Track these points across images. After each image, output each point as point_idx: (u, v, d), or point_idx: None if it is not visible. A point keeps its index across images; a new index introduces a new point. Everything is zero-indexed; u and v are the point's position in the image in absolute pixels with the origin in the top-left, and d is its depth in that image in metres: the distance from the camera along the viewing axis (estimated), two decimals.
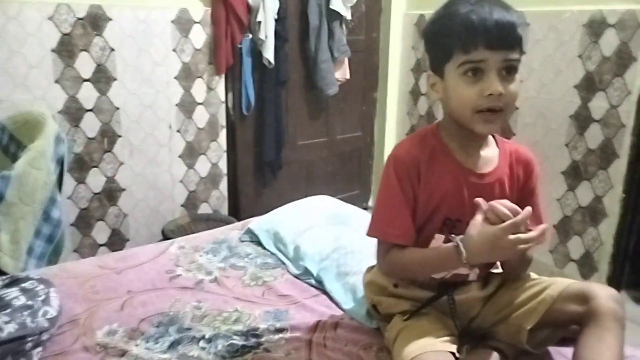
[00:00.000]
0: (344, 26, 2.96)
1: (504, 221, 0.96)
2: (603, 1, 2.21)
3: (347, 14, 2.91)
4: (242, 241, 1.77)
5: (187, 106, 2.59)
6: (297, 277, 1.54)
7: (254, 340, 1.21)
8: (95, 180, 2.41)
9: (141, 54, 2.39)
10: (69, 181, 2.31)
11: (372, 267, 1.28)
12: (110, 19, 2.28)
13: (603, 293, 1.04)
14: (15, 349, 1.07)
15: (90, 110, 2.32)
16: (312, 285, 1.49)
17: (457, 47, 1.02)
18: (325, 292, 1.45)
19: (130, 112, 2.42)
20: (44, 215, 1.83)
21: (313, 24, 2.82)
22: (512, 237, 0.95)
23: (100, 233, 2.48)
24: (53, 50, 2.17)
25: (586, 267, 2.41)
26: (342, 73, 3.04)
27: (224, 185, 2.83)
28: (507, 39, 1.00)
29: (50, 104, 2.20)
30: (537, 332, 1.11)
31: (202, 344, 1.20)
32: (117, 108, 2.39)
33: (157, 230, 2.58)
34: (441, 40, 1.06)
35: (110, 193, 2.46)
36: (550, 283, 1.13)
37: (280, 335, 1.23)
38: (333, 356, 1.16)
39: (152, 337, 1.22)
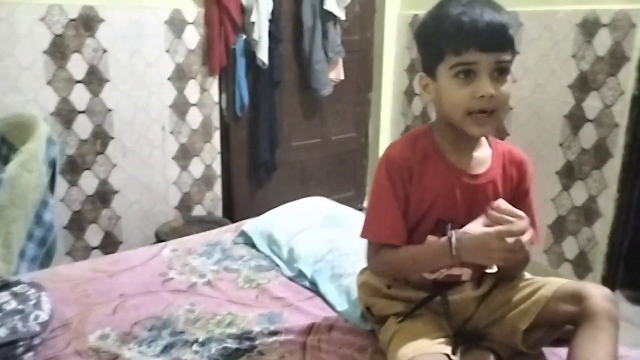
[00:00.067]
0: (338, 26, 2.95)
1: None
2: (596, 1, 2.22)
3: (341, 15, 2.91)
4: (236, 243, 1.77)
5: (180, 107, 2.58)
6: (291, 279, 1.53)
7: (247, 343, 1.20)
8: (88, 182, 2.39)
9: (134, 55, 2.37)
10: (61, 183, 2.30)
11: (366, 268, 1.28)
12: (103, 20, 2.26)
13: (597, 293, 1.04)
14: (6, 354, 1.06)
15: (83, 112, 2.31)
16: (306, 288, 1.48)
17: (448, 49, 1.01)
18: (319, 294, 1.44)
19: (123, 113, 2.41)
20: (36, 218, 1.82)
21: (307, 24, 2.82)
22: (501, 242, 0.97)
23: (93, 236, 2.46)
24: (45, 52, 2.16)
25: (581, 267, 2.41)
26: (337, 73, 3.04)
27: (218, 186, 2.82)
28: (498, 40, 1.00)
29: (42, 106, 2.19)
30: (532, 332, 1.11)
31: (195, 347, 1.19)
32: (110, 110, 2.37)
33: (150, 233, 2.57)
34: (433, 42, 1.06)
35: (103, 195, 2.45)
36: (544, 283, 1.13)
37: (275, 338, 1.22)
38: (327, 359, 1.16)
39: (145, 340, 1.21)
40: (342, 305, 1.36)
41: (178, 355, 1.16)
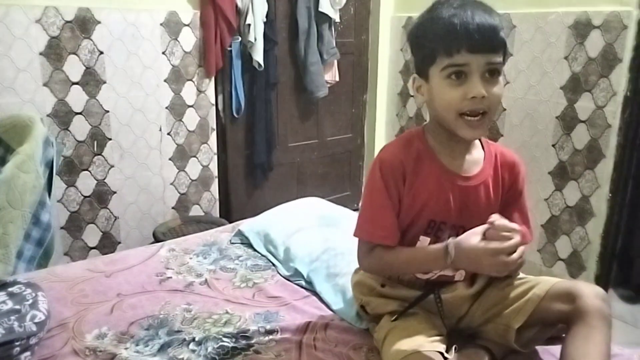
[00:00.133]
0: (332, 29, 2.97)
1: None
2: (588, 3, 2.24)
3: (335, 17, 2.93)
4: (233, 243, 1.78)
5: (177, 109, 2.59)
6: (287, 278, 1.55)
7: (244, 342, 1.21)
8: (86, 183, 2.40)
9: (130, 57, 2.38)
10: (59, 184, 2.31)
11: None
12: (99, 22, 2.27)
13: (589, 291, 1.05)
14: (3, 354, 1.06)
15: (80, 113, 2.32)
16: (302, 287, 1.50)
17: (440, 50, 1.03)
18: (315, 294, 1.45)
19: (120, 115, 2.42)
20: (33, 219, 1.82)
21: (302, 26, 2.83)
22: (495, 258, 1.00)
23: (91, 236, 2.47)
24: (41, 54, 2.17)
25: (574, 266, 2.43)
26: (332, 75, 3.05)
27: (215, 187, 2.83)
28: (489, 42, 1.01)
29: (38, 108, 2.19)
30: (525, 331, 1.12)
31: (192, 346, 1.19)
32: (107, 111, 2.38)
33: (148, 233, 2.58)
34: (425, 44, 1.08)
35: (101, 196, 2.45)
36: (537, 282, 1.14)
37: (271, 336, 1.24)
38: (323, 357, 1.17)
39: (142, 340, 1.22)
40: (337, 304, 1.37)
41: (175, 354, 1.17)
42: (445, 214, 1.12)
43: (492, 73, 1.03)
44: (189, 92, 2.60)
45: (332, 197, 3.14)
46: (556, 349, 1.13)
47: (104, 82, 2.34)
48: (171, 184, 2.66)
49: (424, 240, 1.14)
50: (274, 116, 2.92)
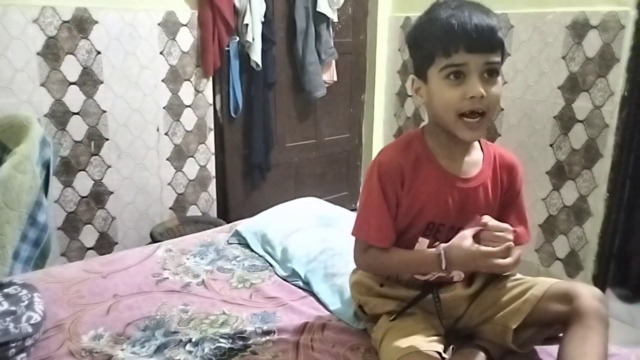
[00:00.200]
0: (330, 28, 2.97)
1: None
2: (586, 3, 2.24)
3: (333, 17, 2.93)
4: (230, 244, 1.77)
5: (175, 109, 2.58)
6: (284, 279, 1.55)
7: (241, 343, 1.21)
8: (83, 183, 2.39)
9: (128, 57, 2.38)
10: (55, 185, 2.30)
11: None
12: (96, 22, 2.27)
13: (586, 292, 1.05)
14: None
15: (77, 113, 2.31)
16: (299, 287, 1.50)
17: (438, 51, 1.03)
18: (312, 294, 1.45)
19: (117, 115, 2.41)
20: (30, 220, 1.81)
21: (300, 26, 2.83)
22: (490, 261, 1.00)
23: (88, 236, 2.46)
24: (38, 54, 2.16)
25: (572, 265, 2.43)
26: (330, 75, 3.05)
27: (212, 187, 2.83)
28: (487, 41, 1.02)
29: (36, 108, 2.19)
30: (522, 331, 1.12)
31: (188, 347, 1.19)
32: (104, 111, 2.38)
33: (145, 234, 2.57)
34: (423, 45, 1.08)
35: (98, 196, 2.45)
36: (535, 283, 1.15)
37: (268, 337, 1.23)
38: (320, 358, 1.17)
39: (138, 341, 1.21)
40: (335, 304, 1.37)
41: (171, 355, 1.16)
42: (444, 216, 1.12)
43: (491, 73, 1.03)
44: (186, 92, 2.60)
45: (329, 197, 3.13)
46: (553, 349, 1.13)
47: (102, 82, 2.34)
48: (169, 184, 2.66)
49: (423, 242, 1.14)
50: (272, 116, 2.91)
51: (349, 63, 3.25)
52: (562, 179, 2.42)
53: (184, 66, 2.56)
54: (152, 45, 2.43)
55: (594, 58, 2.23)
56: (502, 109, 2.59)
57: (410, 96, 3.20)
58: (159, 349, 1.18)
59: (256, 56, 2.62)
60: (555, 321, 1.11)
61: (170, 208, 2.69)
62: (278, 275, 1.57)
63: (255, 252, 1.71)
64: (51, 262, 1.93)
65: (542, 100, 2.45)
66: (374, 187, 1.12)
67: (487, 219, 1.03)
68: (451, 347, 1.14)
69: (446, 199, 1.12)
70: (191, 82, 2.60)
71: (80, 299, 1.38)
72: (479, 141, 1.19)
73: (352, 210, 3.05)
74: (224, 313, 1.34)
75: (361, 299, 1.25)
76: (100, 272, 1.53)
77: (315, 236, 1.66)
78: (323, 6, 2.82)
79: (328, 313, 1.36)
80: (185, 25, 2.51)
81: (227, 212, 2.87)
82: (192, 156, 2.71)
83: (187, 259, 1.65)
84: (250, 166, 2.90)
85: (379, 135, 3.46)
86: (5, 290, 1.23)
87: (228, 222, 2.23)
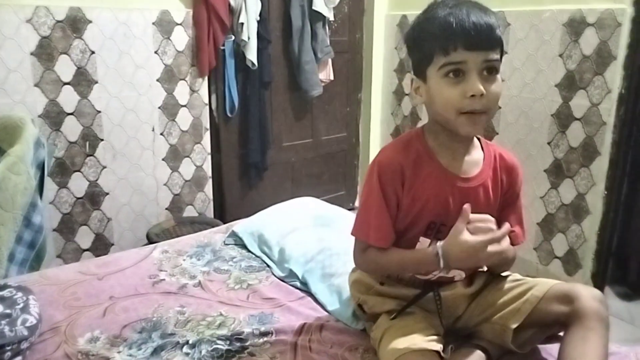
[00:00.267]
0: (326, 27, 2.96)
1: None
2: (582, 1, 2.24)
3: (329, 15, 2.92)
4: (227, 244, 1.76)
5: (170, 109, 2.57)
6: (282, 279, 1.54)
7: (238, 344, 1.20)
8: (78, 184, 2.38)
9: (122, 56, 2.36)
10: (50, 186, 2.28)
11: None
12: (90, 22, 2.25)
13: (587, 293, 1.05)
14: None
15: (71, 113, 2.29)
16: (297, 288, 1.49)
17: (437, 49, 1.03)
18: (310, 294, 1.44)
19: (112, 115, 2.40)
20: (24, 221, 1.80)
21: (296, 25, 2.82)
22: (489, 249, 1.00)
23: (84, 238, 2.45)
24: (32, 54, 2.14)
25: (570, 263, 2.43)
26: (326, 74, 3.04)
27: (209, 187, 2.82)
28: (485, 39, 1.01)
29: (30, 108, 2.17)
30: (522, 332, 1.12)
31: (185, 349, 1.18)
32: (99, 111, 2.36)
33: (141, 235, 2.56)
34: (422, 44, 1.08)
35: (93, 197, 2.43)
36: (535, 284, 1.14)
37: (265, 338, 1.22)
38: (318, 359, 1.16)
39: (135, 343, 1.20)
40: (333, 304, 1.36)
41: (168, 357, 1.16)
42: (445, 215, 1.11)
43: (490, 71, 1.03)
44: (182, 92, 2.59)
45: (327, 197, 3.12)
46: (553, 348, 1.13)
47: (96, 82, 2.32)
48: (164, 184, 2.65)
49: (424, 242, 1.14)
50: (268, 115, 2.90)
51: (345, 62, 3.25)
52: (560, 177, 2.42)
53: (179, 65, 2.54)
54: (146, 44, 2.42)
55: (590, 56, 2.23)
56: (500, 107, 2.58)
57: (407, 95, 3.20)
58: (156, 351, 1.17)
59: (252, 55, 2.61)
60: (555, 322, 1.11)
61: (166, 209, 2.68)
62: (275, 276, 1.56)
63: (252, 253, 1.70)
64: (47, 263, 1.92)
65: (540, 98, 2.44)
66: (374, 187, 1.11)
67: (466, 207, 1.03)
68: (450, 347, 1.13)
69: (447, 198, 1.11)
70: (186, 81, 2.59)
71: (76, 301, 1.37)
72: (479, 141, 1.18)
73: (349, 209, 3.04)
74: (221, 314, 1.33)
75: (361, 297, 1.24)
76: (96, 274, 1.52)
77: (313, 236, 1.65)
78: (319, 4, 2.81)
79: (326, 313, 1.35)
80: (180, 24, 2.50)
81: (223, 213, 2.86)
82: (188, 156, 2.69)
83: (184, 260, 1.64)
84: (246, 166, 2.88)
85: (376, 134, 3.45)
86: (0, 293, 1.21)
87: (225, 223, 2.22)
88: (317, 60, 2.92)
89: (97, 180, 2.43)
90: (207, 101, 2.68)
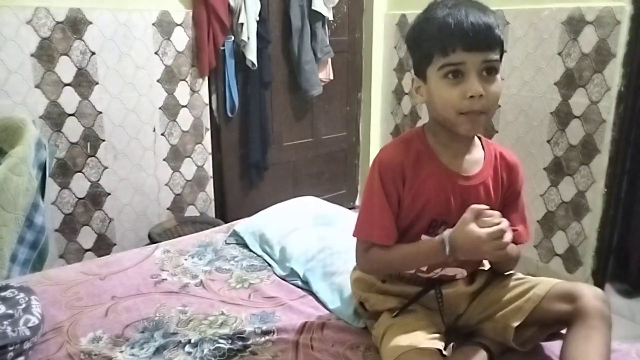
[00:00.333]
0: (326, 27, 2.97)
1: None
2: None
3: (329, 15, 2.92)
4: (228, 244, 1.77)
5: (171, 109, 2.58)
6: (283, 278, 1.54)
7: (240, 343, 1.20)
8: (79, 185, 2.38)
9: (122, 57, 2.37)
10: (52, 186, 2.29)
11: None
12: (90, 23, 2.26)
13: (589, 292, 1.06)
14: None
15: (72, 114, 2.30)
16: (298, 287, 1.49)
17: (436, 50, 1.03)
18: (311, 293, 1.45)
19: (113, 116, 2.40)
20: (26, 222, 1.81)
21: (295, 25, 2.82)
22: (494, 242, 0.99)
23: (86, 238, 2.45)
24: (32, 55, 2.15)
25: (571, 261, 2.43)
26: (326, 74, 3.05)
27: (210, 187, 2.82)
28: (484, 40, 1.01)
29: (31, 109, 2.18)
30: (524, 330, 1.12)
31: (187, 348, 1.19)
32: (100, 112, 2.37)
33: (143, 234, 2.57)
34: (421, 45, 1.08)
35: (95, 198, 2.44)
36: (537, 282, 1.15)
37: (267, 337, 1.23)
38: (320, 357, 1.16)
39: (137, 342, 1.21)
40: (334, 303, 1.37)
41: (170, 356, 1.16)
42: (446, 214, 1.12)
43: (490, 71, 1.03)
44: (182, 92, 2.59)
45: (327, 196, 3.13)
46: (555, 346, 1.13)
47: (97, 83, 2.33)
48: (166, 184, 2.65)
49: (425, 240, 1.13)
50: (269, 115, 2.91)
51: (345, 61, 3.25)
52: (560, 175, 2.42)
53: (179, 66, 2.55)
54: (146, 45, 2.42)
55: (589, 54, 2.23)
56: (499, 106, 2.58)
57: (407, 94, 3.20)
58: (158, 351, 1.18)
59: (252, 55, 2.61)
60: (557, 321, 1.11)
61: (167, 208, 2.68)
62: (277, 275, 1.56)
63: (254, 252, 1.70)
64: (49, 264, 1.93)
65: (539, 96, 2.45)
66: (376, 185, 1.12)
67: (476, 205, 1.03)
68: (451, 345, 1.14)
69: (448, 196, 1.12)
70: (187, 82, 2.59)
71: (78, 301, 1.37)
72: (480, 140, 1.19)
73: (350, 208, 3.05)
74: (223, 313, 1.34)
75: (362, 295, 1.24)
76: (98, 274, 1.52)
77: (314, 235, 1.66)
78: (318, 4, 2.82)
79: (327, 312, 1.35)
80: (180, 25, 2.50)
81: (225, 212, 2.87)
82: (189, 156, 2.70)
83: (185, 259, 1.64)
84: (247, 166, 2.89)
85: (376, 133, 3.46)
86: (2, 294, 1.22)
87: (226, 222, 2.23)
88: (316, 60, 2.92)
89: (98, 180, 2.43)
90: (207, 101, 2.69)
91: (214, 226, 2.11)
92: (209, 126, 2.73)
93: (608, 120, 2.20)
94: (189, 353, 1.17)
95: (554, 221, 2.48)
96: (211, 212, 2.85)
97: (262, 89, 2.80)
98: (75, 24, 2.22)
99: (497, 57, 1.04)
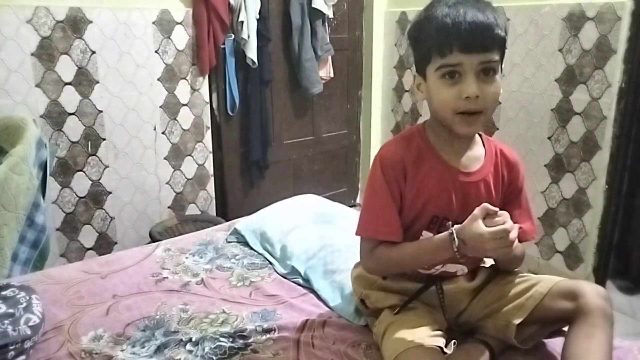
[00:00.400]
0: (326, 25, 2.96)
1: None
2: None
3: (329, 13, 2.92)
4: (229, 242, 1.77)
5: (171, 108, 2.58)
6: (284, 276, 1.54)
7: (241, 341, 1.21)
8: (80, 184, 2.39)
9: (123, 56, 2.37)
10: (53, 185, 2.29)
11: None
12: (90, 22, 2.25)
13: (591, 290, 1.06)
14: None
15: (73, 113, 2.30)
16: (299, 285, 1.49)
17: (433, 50, 1.04)
18: (312, 291, 1.45)
19: (113, 114, 2.40)
20: (27, 221, 1.81)
21: (295, 22, 2.82)
22: (496, 241, 0.99)
23: (87, 237, 2.46)
24: (33, 54, 2.15)
25: (572, 258, 2.43)
26: (326, 71, 3.04)
27: (210, 186, 2.82)
28: (481, 42, 1.01)
29: (31, 109, 2.18)
30: (525, 327, 1.12)
31: (189, 347, 1.19)
32: (100, 111, 2.37)
33: (144, 233, 2.57)
34: (420, 44, 1.08)
35: (96, 197, 2.44)
36: (539, 280, 1.15)
37: (268, 335, 1.23)
38: (321, 355, 1.16)
39: (138, 341, 1.21)
40: (335, 301, 1.37)
41: (172, 355, 1.16)
42: (448, 210, 1.12)
43: (487, 72, 1.03)
44: (182, 91, 2.59)
45: (328, 194, 3.13)
46: (557, 343, 1.13)
47: (97, 82, 2.33)
48: (167, 183, 2.65)
49: (427, 236, 1.14)
50: (269, 113, 2.91)
51: (345, 59, 3.25)
52: (561, 172, 2.42)
53: (180, 65, 2.55)
54: (147, 44, 2.42)
55: (590, 50, 2.22)
56: (500, 103, 2.58)
57: (407, 91, 3.20)
58: (159, 349, 1.18)
59: (252, 53, 2.61)
60: (559, 319, 1.11)
61: (168, 207, 2.68)
62: (277, 273, 1.56)
63: (255, 250, 1.70)
64: (50, 263, 1.93)
65: (540, 93, 2.44)
66: (378, 181, 1.12)
67: (486, 204, 1.02)
68: (452, 342, 1.13)
69: (449, 192, 1.12)
70: (187, 80, 2.59)
71: (79, 300, 1.38)
72: (480, 137, 1.19)
73: (351, 206, 3.05)
74: (224, 312, 1.34)
75: (363, 292, 1.24)
76: (99, 273, 1.52)
77: (315, 233, 1.66)
78: (318, 2, 2.81)
79: (328, 310, 1.36)
80: (180, 23, 2.50)
81: (225, 210, 2.87)
82: (189, 155, 2.70)
83: (186, 258, 1.64)
84: (248, 164, 2.89)
85: (376, 131, 3.45)
86: (3, 293, 1.22)
87: (227, 220, 2.23)
88: (317, 58, 2.92)
89: (99, 179, 2.43)
90: (208, 100, 2.69)
91: (215, 224, 2.11)
92: (209, 124, 2.73)
93: (609, 116, 2.19)
94: (190, 351, 1.17)
95: (555, 218, 2.47)
96: (212, 211, 2.86)
97: (263, 87, 2.80)
98: (75, 23, 2.22)
99: (495, 57, 1.03)
